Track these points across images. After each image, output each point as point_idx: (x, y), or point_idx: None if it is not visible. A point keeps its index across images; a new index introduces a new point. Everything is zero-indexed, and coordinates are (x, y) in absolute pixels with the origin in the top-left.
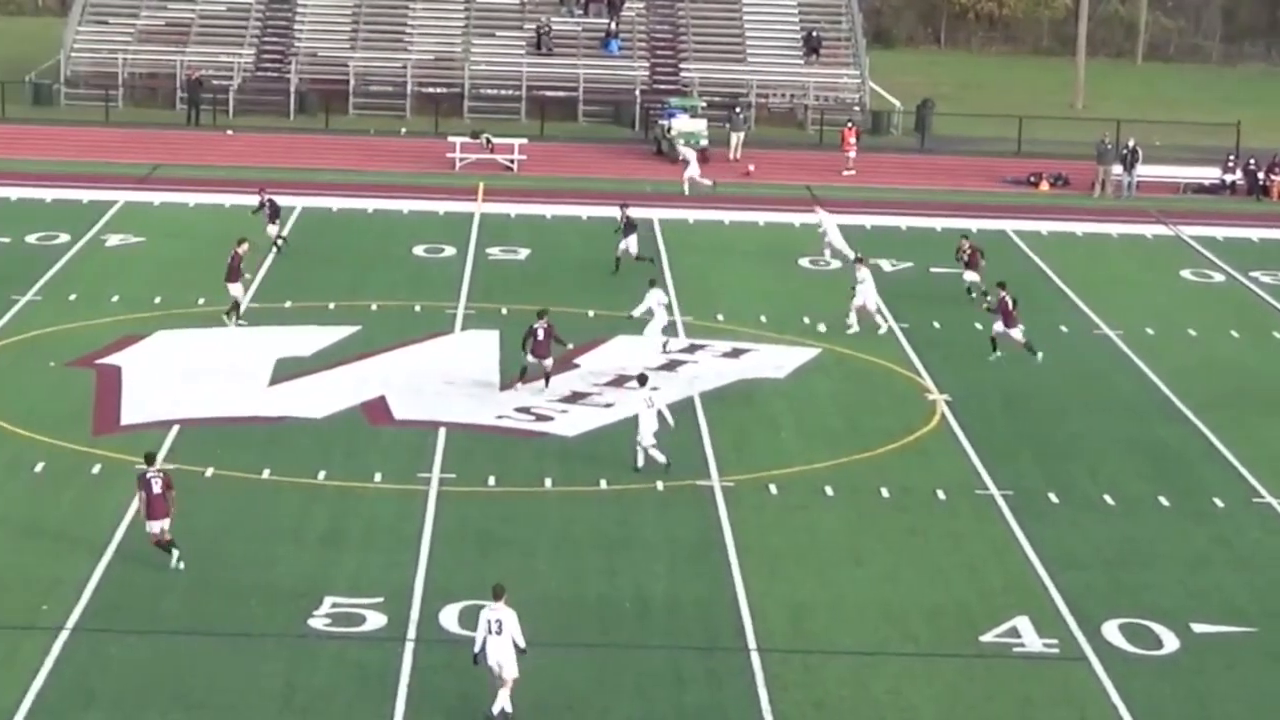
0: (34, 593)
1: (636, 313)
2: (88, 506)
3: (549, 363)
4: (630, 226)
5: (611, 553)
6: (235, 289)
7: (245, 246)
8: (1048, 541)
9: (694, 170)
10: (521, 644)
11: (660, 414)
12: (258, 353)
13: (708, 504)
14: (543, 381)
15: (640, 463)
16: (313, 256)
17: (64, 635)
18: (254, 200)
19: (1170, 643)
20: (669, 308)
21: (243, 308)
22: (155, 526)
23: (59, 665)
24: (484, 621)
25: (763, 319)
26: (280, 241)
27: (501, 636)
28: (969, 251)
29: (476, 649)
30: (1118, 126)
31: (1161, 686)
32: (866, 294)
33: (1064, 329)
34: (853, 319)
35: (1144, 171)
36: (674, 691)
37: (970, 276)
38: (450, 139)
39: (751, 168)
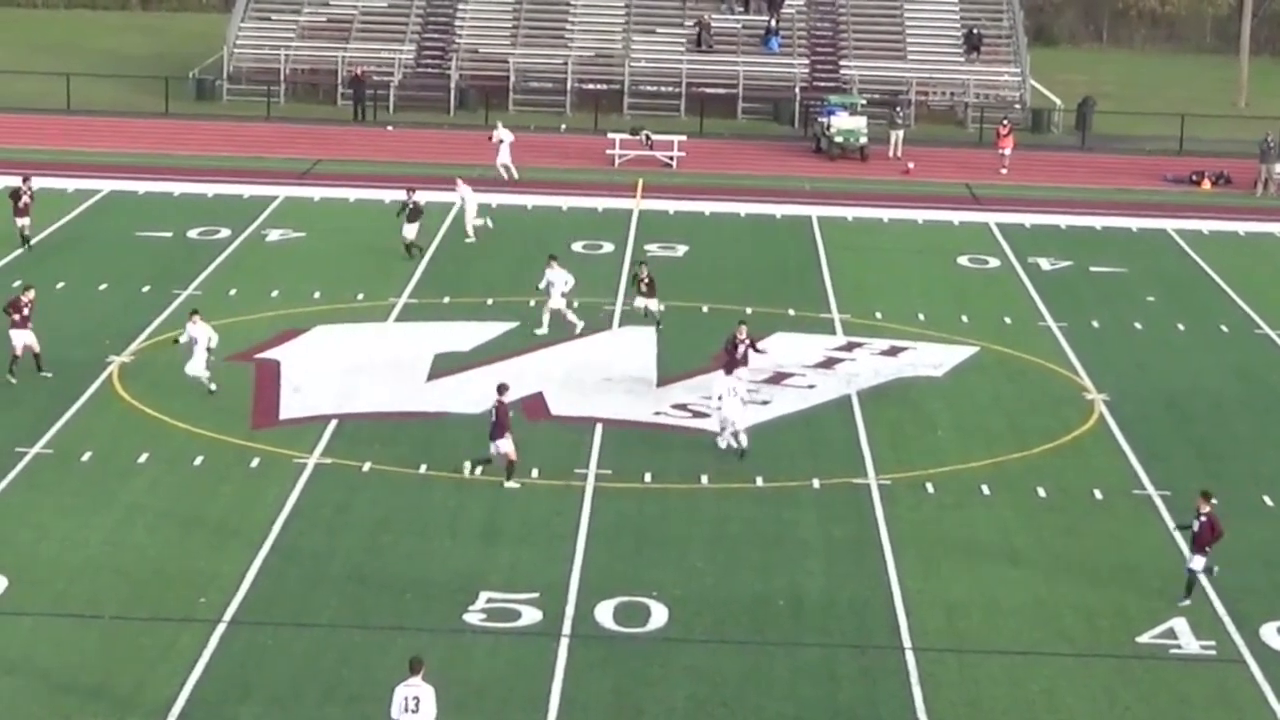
0: (193, 586)
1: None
2: (246, 500)
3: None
4: (416, 212)
5: (766, 550)
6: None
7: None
8: None
9: None
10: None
11: (741, 401)
12: (416, 348)
13: (864, 502)
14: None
15: (724, 445)
16: (472, 252)
17: (221, 628)
18: (401, 197)
19: None
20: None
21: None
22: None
23: (216, 657)
24: (399, 699)
25: (921, 317)
26: (414, 249)
27: (419, 715)
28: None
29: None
30: None
31: None
32: (555, 295)
33: (1224, 329)
34: (545, 321)
35: None
36: (828, 689)
37: None
38: (610, 135)
39: (911, 165)
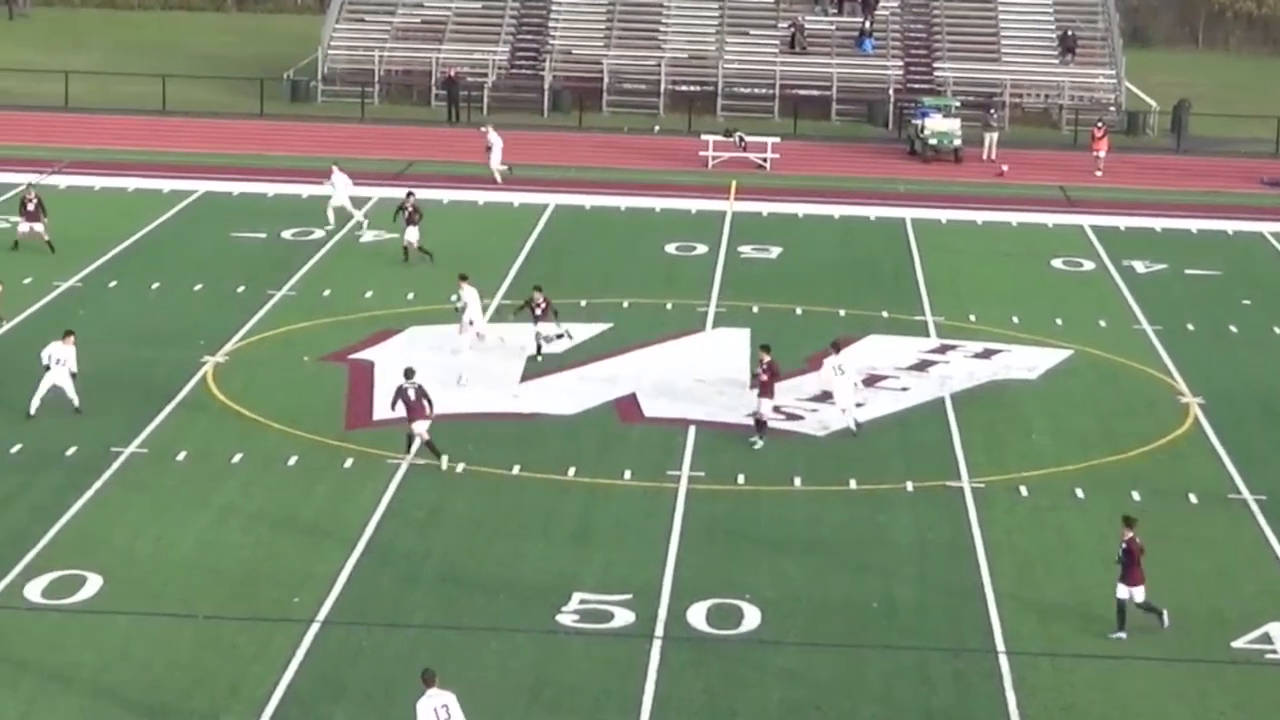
0: (287, 585)
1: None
2: (340, 500)
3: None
4: (414, 215)
5: (860, 552)
6: None
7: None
8: None
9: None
10: None
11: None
12: (510, 349)
13: (958, 504)
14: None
15: (853, 426)
16: (565, 254)
17: (315, 627)
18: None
19: None
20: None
21: None
22: (420, 428)
23: (310, 657)
24: (429, 711)
25: (1015, 320)
26: (421, 252)
27: None
28: None
29: None
30: None
31: None
32: (474, 312)
33: None
34: (479, 335)
35: None
36: (921, 693)
37: None
38: (703, 137)
39: (1005, 168)
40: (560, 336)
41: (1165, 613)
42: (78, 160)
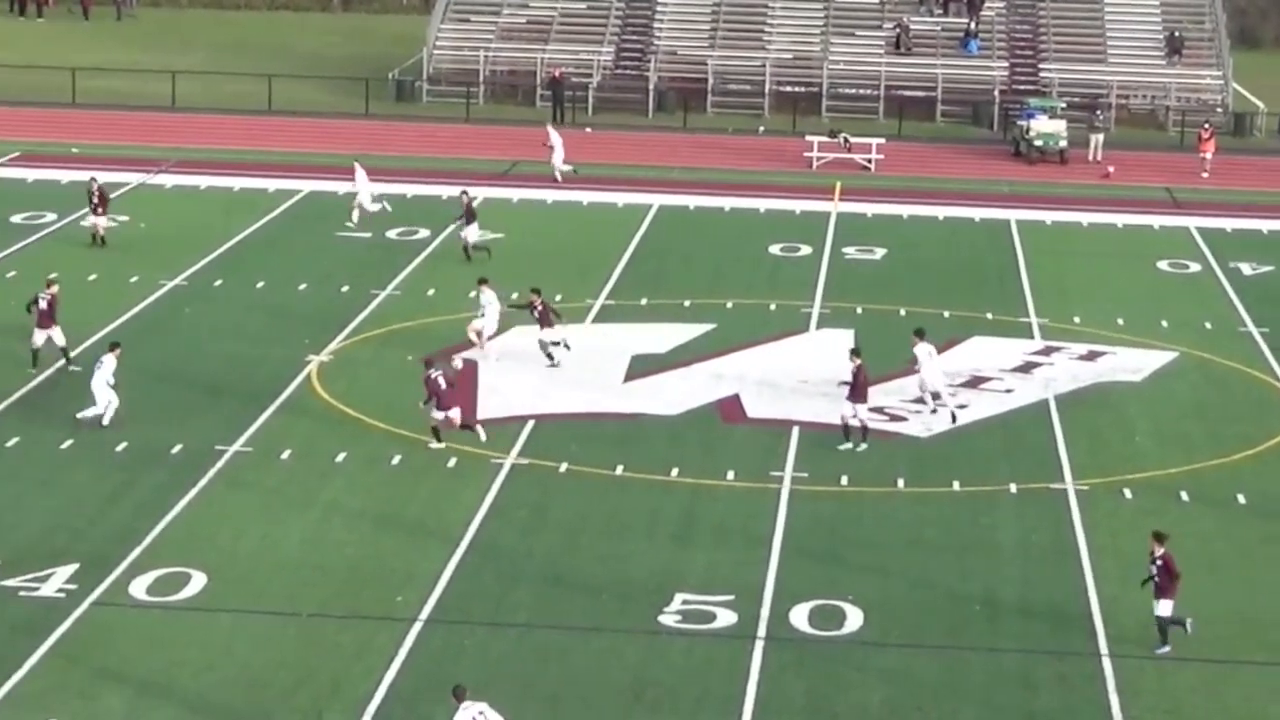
0: (390, 584)
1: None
2: (443, 499)
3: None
4: (471, 215)
5: (962, 554)
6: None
7: (56, 289)
8: None
9: None
10: None
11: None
12: (613, 349)
13: (1061, 507)
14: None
15: (932, 408)
16: (669, 254)
17: (418, 626)
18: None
19: None
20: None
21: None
22: (454, 414)
23: (413, 656)
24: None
25: (1120, 321)
26: (474, 247)
27: None
28: None
29: None
30: None
31: None
32: (490, 320)
33: None
34: (478, 341)
35: None
36: (1023, 695)
37: None
38: (808, 138)
39: (1111, 169)
40: (557, 344)
41: (1189, 621)
42: (183, 160)
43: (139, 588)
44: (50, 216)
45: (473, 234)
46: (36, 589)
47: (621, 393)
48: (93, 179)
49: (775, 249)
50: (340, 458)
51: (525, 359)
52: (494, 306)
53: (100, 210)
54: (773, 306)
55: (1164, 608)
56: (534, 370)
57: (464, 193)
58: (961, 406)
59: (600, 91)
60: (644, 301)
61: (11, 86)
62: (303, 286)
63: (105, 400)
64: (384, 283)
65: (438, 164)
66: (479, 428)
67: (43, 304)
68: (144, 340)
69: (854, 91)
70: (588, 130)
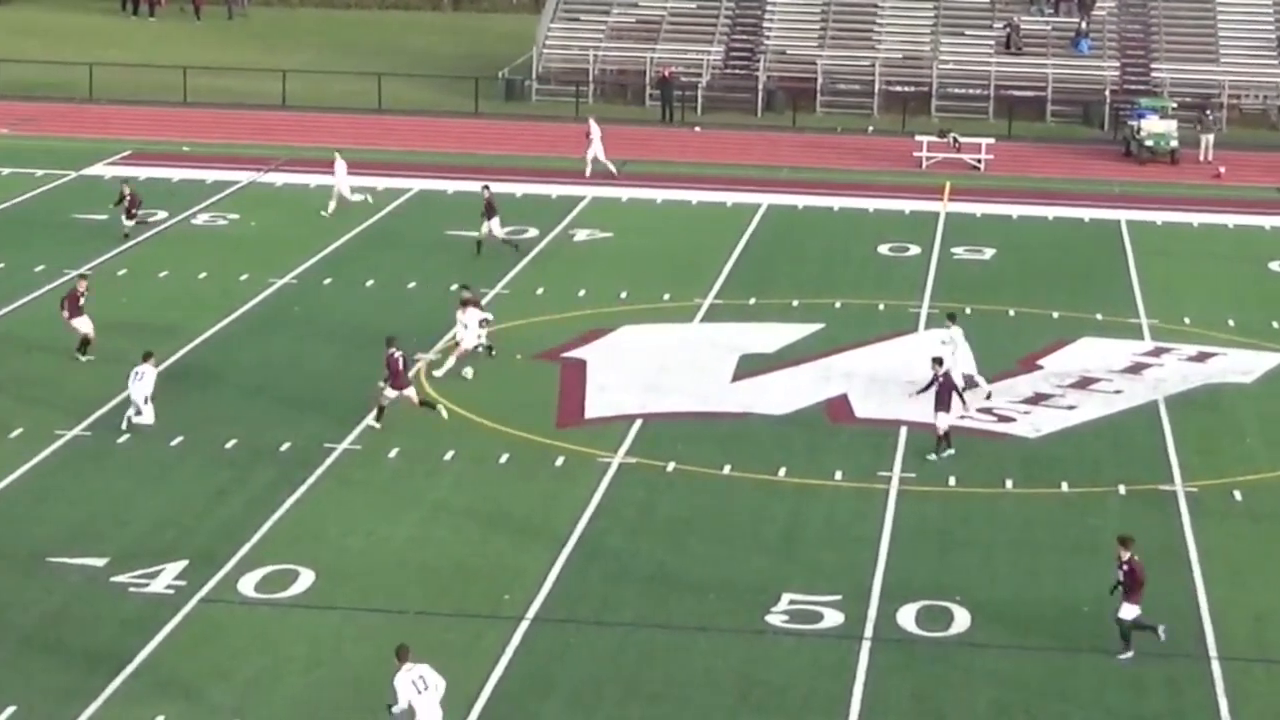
0: (497, 583)
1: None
2: (550, 498)
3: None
4: (491, 209)
5: (1071, 556)
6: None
7: (85, 284)
8: None
9: None
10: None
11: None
12: (721, 349)
13: (1170, 509)
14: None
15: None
16: (778, 254)
17: (525, 625)
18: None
19: None
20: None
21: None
22: (409, 393)
23: (519, 654)
24: (407, 684)
25: (1230, 323)
26: (501, 241)
27: (432, 690)
28: None
29: (399, 708)
30: None
31: None
32: (469, 336)
33: None
34: (451, 362)
35: None
36: (1132, 698)
37: None
38: (917, 138)
39: (1222, 170)
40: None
41: (1161, 628)
42: (293, 158)
43: (247, 585)
44: (161, 214)
45: (496, 228)
46: (146, 585)
47: (729, 392)
48: (124, 182)
49: (884, 249)
50: (448, 456)
51: (633, 358)
52: (474, 324)
53: (133, 214)
54: (881, 306)
55: (1128, 611)
56: (642, 369)
57: (485, 188)
58: (1070, 407)
59: (709, 91)
60: (752, 301)
61: (124, 85)
62: (412, 285)
63: (150, 411)
64: (492, 281)
65: (546, 163)
66: (441, 407)
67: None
68: (253, 338)
69: (964, 91)
70: (696, 129)
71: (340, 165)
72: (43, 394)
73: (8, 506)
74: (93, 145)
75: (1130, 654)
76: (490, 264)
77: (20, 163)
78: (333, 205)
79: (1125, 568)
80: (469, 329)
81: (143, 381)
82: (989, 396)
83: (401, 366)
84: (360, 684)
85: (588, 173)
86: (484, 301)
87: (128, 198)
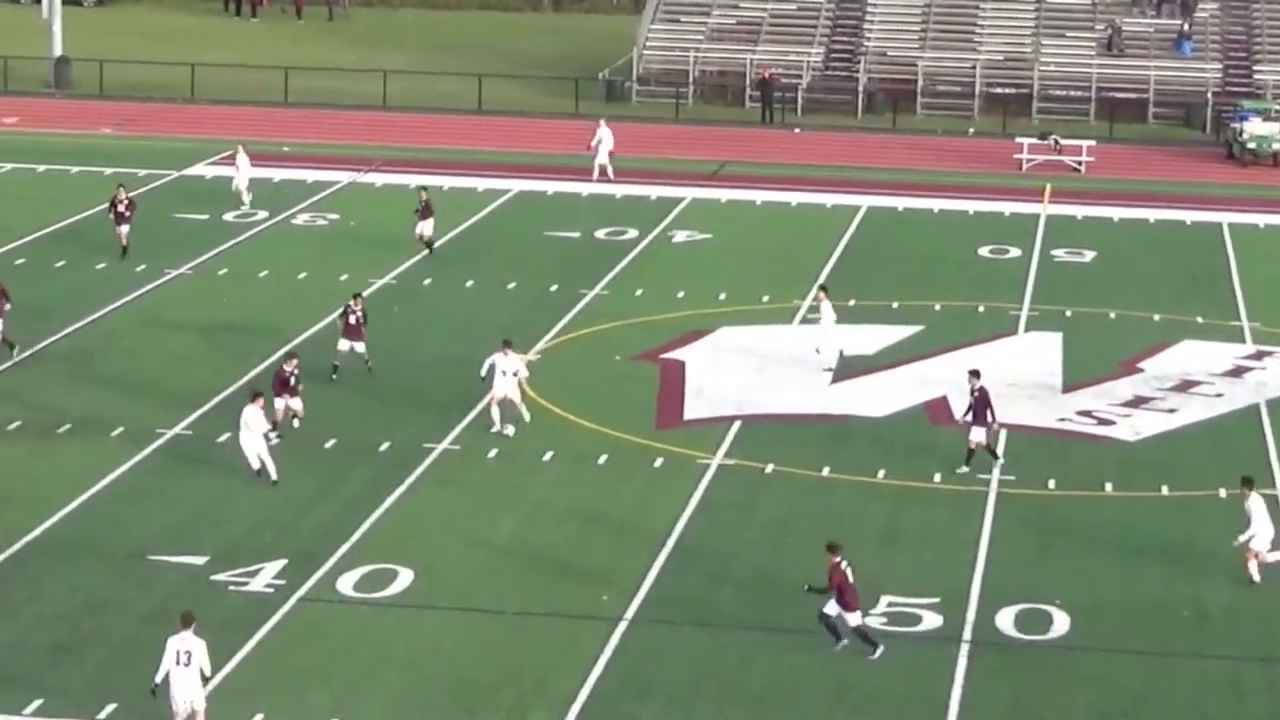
0: (595, 583)
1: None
2: (649, 499)
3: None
4: (428, 210)
5: (1170, 559)
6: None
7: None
8: None
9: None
10: (208, 673)
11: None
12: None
13: (1273, 513)
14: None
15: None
16: (878, 256)
17: (623, 626)
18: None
19: None
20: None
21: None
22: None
23: (617, 655)
24: (172, 651)
25: None
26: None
27: (190, 668)
28: None
29: (159, 679)
30: None
31: None
32: (505, 385)
33: None
34: (496, 418)
35: None
36: (1232, 702)
37: None
38: (1018, 140)
39: None
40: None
41: (880, 649)
42: (393, 158)
43: (346, 584)
44: (262, 214)
45: (427, 229)
46: (245, 584)
47: (829, 394)
48: (120, 186)
49: (984, 251)
50: (547, 456)
51: (732, 360)
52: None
53: (127, 218)
54: (981, 309)
55: (833, 608)
56: (741, 371)
57: (421, 189)
58: (1171, 410)
59: (809, 92)
60: (852, 303)
61: (226, 86)
62: (511, 285)
63: (262, 456)
64: (592, 282)
65: (647, 164)
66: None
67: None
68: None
69: (1065, 93)
70: (796, 131)
71: (243, 158)
72: (144, 393)
73: (108, 505)
74: (194, 145)
75: (845, 642)
76: (591, 264)
77: (123, 163)
78: (247, 199)
79: (831, 575)
80: (506, 376)
81: (251, 432)
82: (829, 370)
83: (292, 381)
84: (458, 684)
85: (595, 175)
86: (583, 303)
87: (125, 203)
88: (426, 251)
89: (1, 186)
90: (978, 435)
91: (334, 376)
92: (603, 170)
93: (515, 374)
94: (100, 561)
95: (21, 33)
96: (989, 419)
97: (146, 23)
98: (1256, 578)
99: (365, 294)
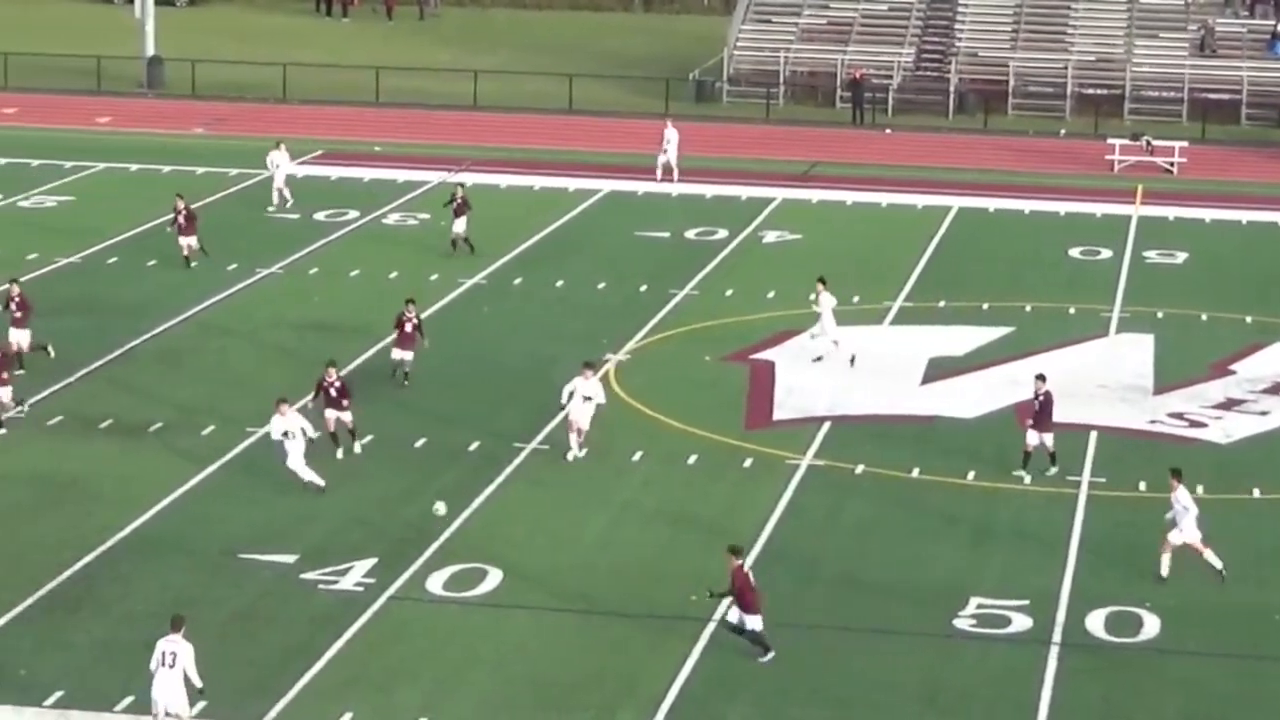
0: (684, 584)
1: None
2: (738, 500)
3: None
4: (463, 207)
5: (1262, 562)
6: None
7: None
8: None
9: None
10: (198, 683)
11: None
12: (911, 351)
13: None
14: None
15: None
16: (968, 256)
17: (711, 627)
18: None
19: None
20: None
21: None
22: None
23: (705, 656)
24: (158, 653)
25: None
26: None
27: (173, 670)
28: None
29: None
30: None
31: None
32: (582, 412)
33: None
34: (574, 441)
35: None
36: None
37: None
38: (1109, 140)
39: None
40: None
41: (771, 654)
42: (484, 158)
43: (435, 583)
44: (352, 214)
45: (460, 226)
46: (335, 582)
47: (918, 395)
48: (179, 196)
49: (1075, 252)
50: (636, 456)
51: (824, 361)
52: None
53: (188, 229)
54: (1072, 310)
55: (755, 622)
56: (831, 372)
57: (460, 185)
58: (1263, 413)
59: (900, 93)
60: (942, 304)
61: (316, 86)
62: (601, 285)
63: (310, 474)
64: (682, 282)
65: (737, 164)
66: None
67: (12, 307)
68: (442, 338)
69: (1157, 94)
70: (887, 131)
71: (283, 156)
72: (234, 392)
73: (198, 503)
74: (286, 145)
75: (771, 655)
76: (681, 265)
77: (214, 162)
78: (276, 198)
79: (735, 581)
80: (585, 402)
81: (293, 454)
82: (819, 359)
83: (334, 393)
84: (546, 684)
85: (660, 175)
86: (673, 303)
87: (182, 213)
88: (469, 252)
89: (94, 186)
90: (1033, 439)
91: (405, 383)
92: (667, 170)
93: (591, 398)
94: (190, 559)
95: (114, 33)
96: (1049, 423)
97: (238, 23)
98: None
99: (455, 294)
